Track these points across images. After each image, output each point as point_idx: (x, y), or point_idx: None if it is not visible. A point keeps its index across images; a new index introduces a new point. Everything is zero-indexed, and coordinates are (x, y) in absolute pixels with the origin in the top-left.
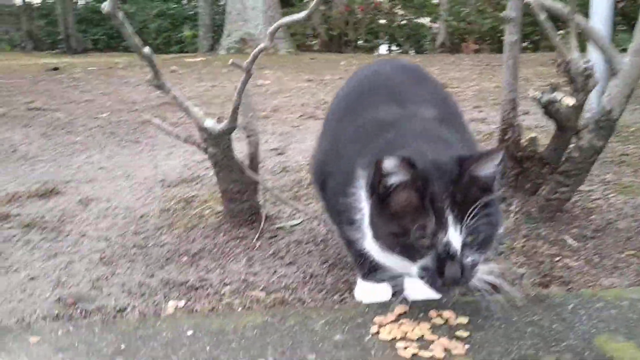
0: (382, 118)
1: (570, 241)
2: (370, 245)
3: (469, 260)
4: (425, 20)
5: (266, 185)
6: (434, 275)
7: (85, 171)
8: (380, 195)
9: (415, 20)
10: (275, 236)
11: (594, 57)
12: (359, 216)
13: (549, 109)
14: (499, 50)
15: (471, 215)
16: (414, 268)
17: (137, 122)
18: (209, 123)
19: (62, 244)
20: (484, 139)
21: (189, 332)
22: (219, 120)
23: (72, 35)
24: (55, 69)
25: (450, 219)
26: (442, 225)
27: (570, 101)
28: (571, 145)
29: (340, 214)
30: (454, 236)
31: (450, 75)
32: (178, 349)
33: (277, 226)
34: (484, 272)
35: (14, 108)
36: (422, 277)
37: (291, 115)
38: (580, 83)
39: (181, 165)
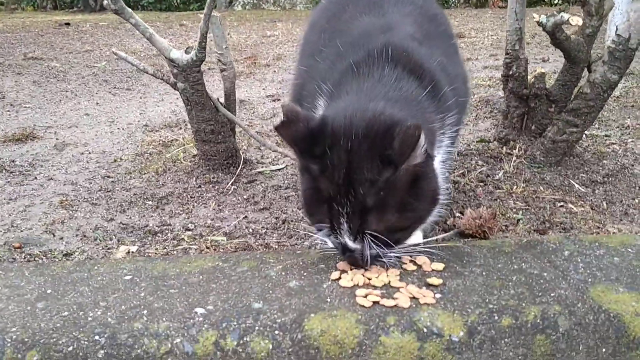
0: (353, 35)
1: (577, 186)
2: None
3: (373, 251)
4: None
5: (240, 123)
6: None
7: (69, 117)
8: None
9: None
10: (254, 181)
11: None
12: None
13: (557, 36)
14: (528, 4)
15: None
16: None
17: (132, 71)
18: (176, 54)
19: (25, 188)
20: (495, 84)
21: (127, 277)
22: (187, 51)
23: None
24: (67, 24)
25: (344, 227)
26: (337, 229)
27: (579, 21)
28: (582, 81)
29: None
30: (349, 241)
31: (470, 26)
32: (110, 294)
33: (257, 170)
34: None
35: (11, 58)
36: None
37: (294, 63)
38: (594, 5)
39: (169, 111)
